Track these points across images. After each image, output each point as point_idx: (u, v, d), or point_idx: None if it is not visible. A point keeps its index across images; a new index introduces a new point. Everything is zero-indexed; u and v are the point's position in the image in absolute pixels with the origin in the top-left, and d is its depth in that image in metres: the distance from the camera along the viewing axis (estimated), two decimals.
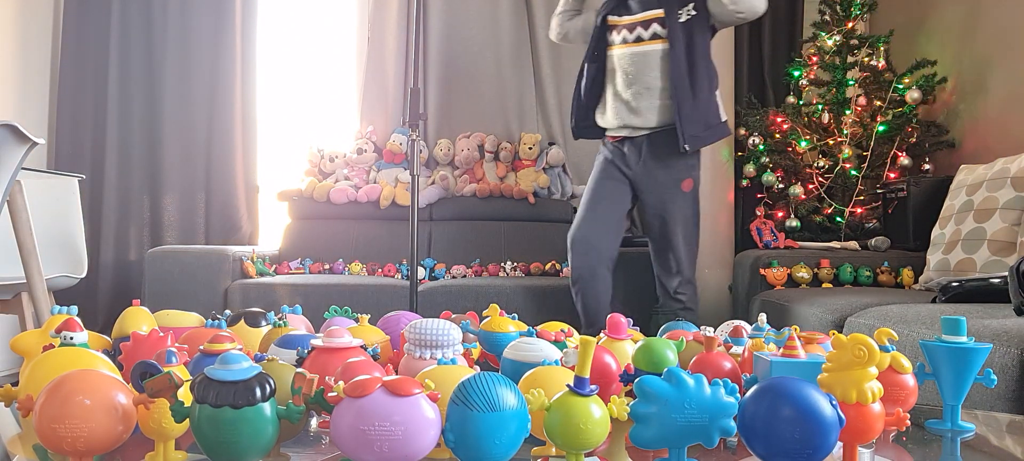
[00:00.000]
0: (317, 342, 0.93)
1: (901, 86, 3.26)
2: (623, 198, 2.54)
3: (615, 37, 2.54)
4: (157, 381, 0.68)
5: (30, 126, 3.41)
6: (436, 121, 3.87)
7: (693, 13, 2.43)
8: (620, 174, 2.54)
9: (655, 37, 2.46)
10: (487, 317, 1.17)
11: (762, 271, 2.86)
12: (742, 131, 3.57)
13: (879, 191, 3.22)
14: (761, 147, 3.46)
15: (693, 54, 2.42)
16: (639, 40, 2.48)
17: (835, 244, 3.07)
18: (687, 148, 2.39)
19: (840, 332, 1.06)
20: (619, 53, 2.52)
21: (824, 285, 2.78)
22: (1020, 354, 1.29)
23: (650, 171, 2.48)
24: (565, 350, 0.93)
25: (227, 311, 1.35)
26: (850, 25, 3.39)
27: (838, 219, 3.32)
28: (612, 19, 2.57)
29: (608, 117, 2.56)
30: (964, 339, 0.94)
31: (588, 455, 0.73)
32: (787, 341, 0.89)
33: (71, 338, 0.91)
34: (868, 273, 2.81)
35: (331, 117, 4.02)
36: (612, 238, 2.52)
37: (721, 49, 3.50)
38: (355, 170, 3.76)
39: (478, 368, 0.93)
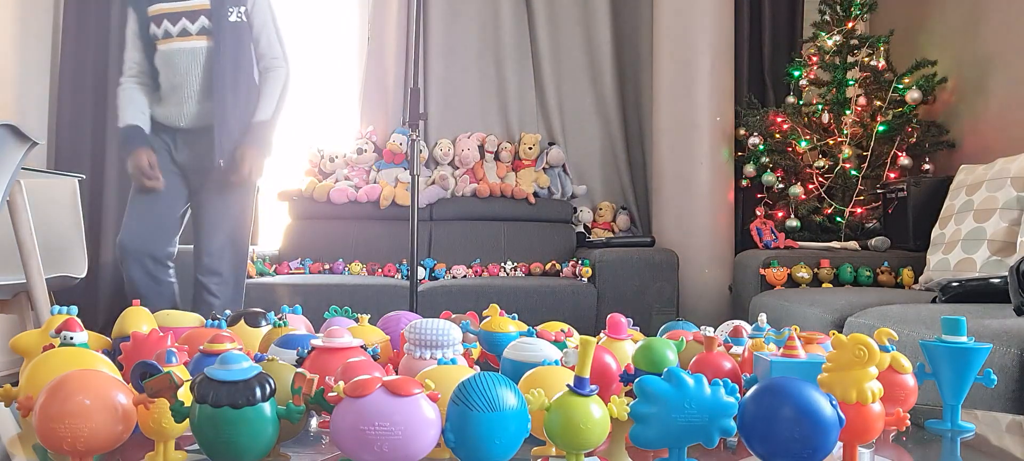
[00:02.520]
0: (317, 342, 0.93)
1: (901, 86, 3.26)
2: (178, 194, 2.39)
3: (157, 30, 2.33)
4: (157, 381, 0.68)
5: (30, 126, 3.41)
6: (436, 121, 3.87)
7: (243, 17, 2.32)
8: (174, 168, 2.38)
9: (203, 33, 2.30)
10: (487, 317, 1.17)
11: (762, 271, 2.86)
12: (742, 131, 3.57)
13: (879, 191, 3.22)
14: (761, 147, 3.46)
15: (240, 59, 2.33)
16: (185, 34, 2.31)
17: (835, 244, 3.07)
18: (222, 163, 2.29)
19: (840, 332, 1.06)
20: (167, 48, 2.33)
21: (824, 285, 2.78)
22: (1020, 354, 1.29)
23: (201, 166, 2.37)
24: (565, 350, 0.92)
25: (227, 311, 1.35)
26: (850, 25, 3.39)
27: (838, 219, 3.32)
28: (157, 8, 2.32)
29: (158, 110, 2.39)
30: (964, 339, 0.94)
31: (588, 455, 0.73)
32: (787, 341, 0.89)
33: (71, 338, 0.91)
34: (868, 273, 2.80)
35: (331, 117, 4.02)
36: (169, 237, 2.37)
37: (721, 49, 3.51)
38: (355, 170, 3.76)
39: (478, 368, 0.93)
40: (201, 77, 2.33)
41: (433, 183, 3.74)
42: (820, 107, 3.41)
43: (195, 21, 2.32)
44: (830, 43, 3.40)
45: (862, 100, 3.31)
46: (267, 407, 0.67)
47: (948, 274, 2.35)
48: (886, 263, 2.83)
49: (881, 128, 3.25)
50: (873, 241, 3.00)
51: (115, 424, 0.68)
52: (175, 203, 2.38)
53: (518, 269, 3.45)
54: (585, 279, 3.13)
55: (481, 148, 3.84)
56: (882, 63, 3.34)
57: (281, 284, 2.96)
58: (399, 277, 3.27)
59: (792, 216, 3.41)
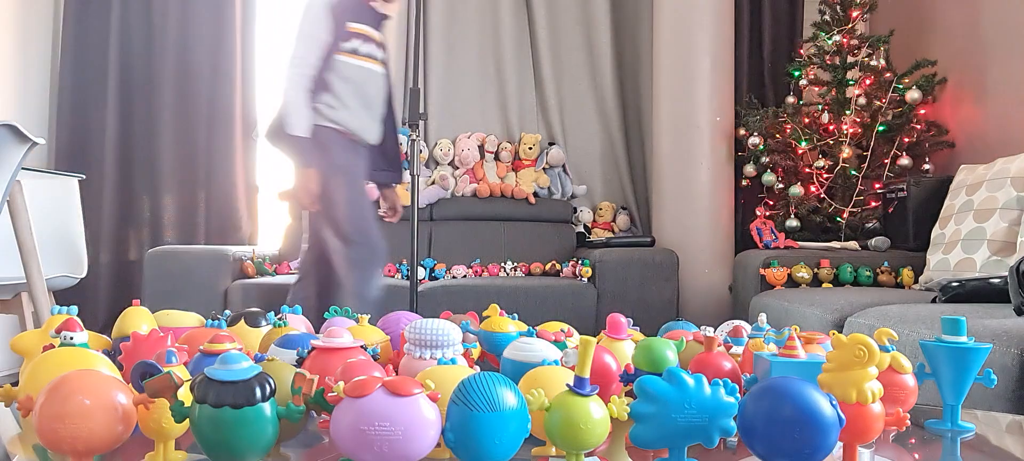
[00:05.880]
0: (317, 342, 0.93)
1: (901, 86, 3.26)
2: None
3: (360, 46, 2.38)
4: (157, 381, 0.68)
5: (30, 126, 3.41)
6: (436, 121, 3.87)
7: None
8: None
9: (383, 62, 2.49)
10: (487, 317, 1.16)
11: (762, 271, 2.86)
12: (742, 131, 3.57)
13: (879, 191, 3.22)
14: (761, 147, 3.46)
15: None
16: (373, 58, 2.43)
17: (835, 244, 3.07)
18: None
19: (840, 332, 1.06)
20: (359, 64, 2.39)
21: (824, 285, 2.78)
22: (1020, 354, 1.29)
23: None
24: (565, 350, 0.92)
25: (227, 311, 1.35)
26: (854, 14, 3.38)
27: (838, 219, 3.32)
28: (357, 27, 2.38)
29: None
30: (964, 339, 0.94)
31: (588, 455, 0.73)
32: (787, 341, 0.89)
33: (71, 338, 0.91)
34: (868, 273, 2.80)
35: None
36: None
37: (721, 49, 3.51)
38: None
39: (478, 368, 0.93)
40: (382, 100, 2.51)
41: (433, 183, 3.74)
42: (820, 107, 3.42)
43: (383, 51, 2.49)
44: (830, 43, 3.40)
45: (862, 100, 3.31)
46: (267, 407, 0.67)
47: (948, 274, 2.35)
48: (886, 263, 2.83)
49: (881, 128, 3.25)
50: (873, 241, 3.00)
51: (115, 424, 0.68)
52: None
53: (518, 269, 3.45)
54: (585, 279, 3.13)
55: (481, 148, 3.84)
56: (882, 63, 3.34)
57: (281, 284, 2.96)
58: (399, 277, 3.26)
59: (792, 216, 3.41)
